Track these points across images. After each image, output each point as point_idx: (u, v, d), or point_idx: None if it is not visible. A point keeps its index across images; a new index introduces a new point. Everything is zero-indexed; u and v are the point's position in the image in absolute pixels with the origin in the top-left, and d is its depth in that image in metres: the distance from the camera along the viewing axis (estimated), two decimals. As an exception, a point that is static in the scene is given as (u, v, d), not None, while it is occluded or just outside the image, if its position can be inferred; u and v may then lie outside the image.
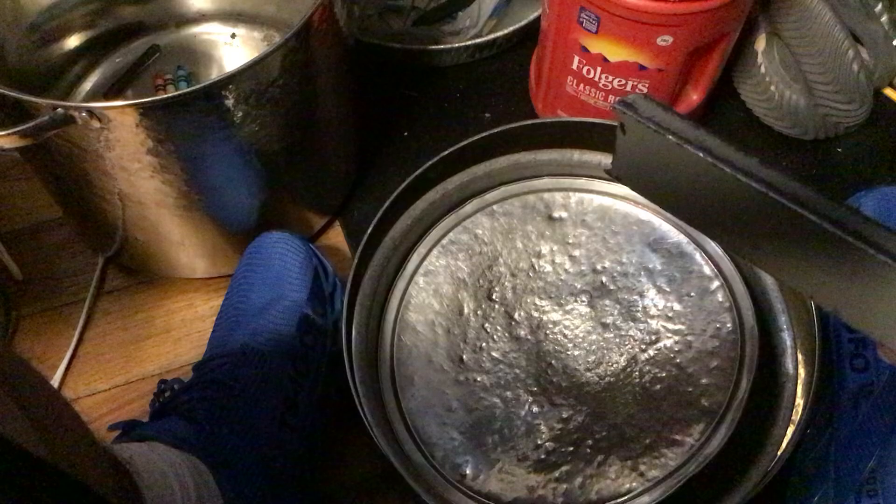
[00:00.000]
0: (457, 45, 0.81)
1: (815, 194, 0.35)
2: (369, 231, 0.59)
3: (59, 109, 0.48)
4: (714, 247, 0.61)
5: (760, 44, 0.73)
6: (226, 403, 0.53)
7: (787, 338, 0.60)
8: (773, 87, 0.74)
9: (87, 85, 0.74)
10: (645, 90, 0.67)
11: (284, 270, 0.60)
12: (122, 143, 0.52)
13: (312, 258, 0.62)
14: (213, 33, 0.79)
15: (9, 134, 0.48)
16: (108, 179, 0.56)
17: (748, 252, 0.41)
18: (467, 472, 0.56)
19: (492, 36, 0.81)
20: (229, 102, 0.53)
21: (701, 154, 0.38)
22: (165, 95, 0.50)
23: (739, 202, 0.38)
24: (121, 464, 0.42)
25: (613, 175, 0.46)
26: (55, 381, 0.65)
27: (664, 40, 0.62)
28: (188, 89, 0.51)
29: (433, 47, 0.81)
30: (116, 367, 0.67)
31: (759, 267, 0.41)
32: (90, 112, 0.49)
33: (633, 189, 0.47)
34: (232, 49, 0.79)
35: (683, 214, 0.45)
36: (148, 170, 0.55)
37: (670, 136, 0.39)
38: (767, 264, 0.41)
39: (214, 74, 0.77)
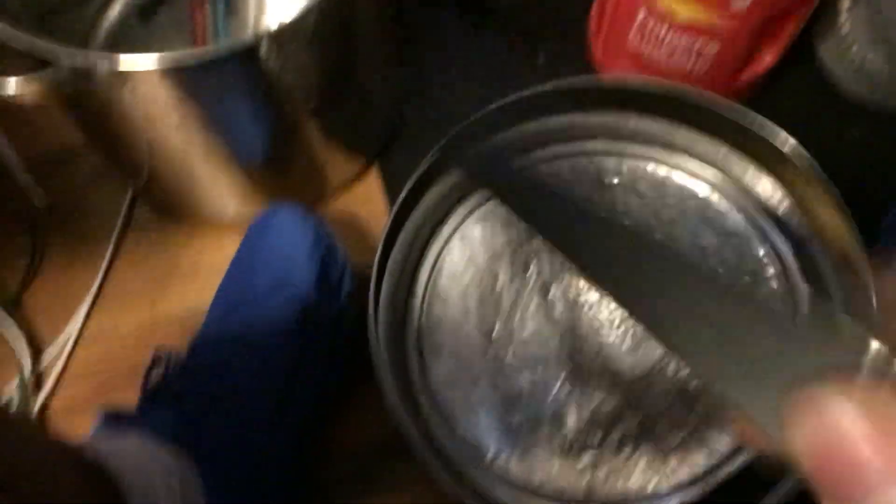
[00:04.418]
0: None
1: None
2: (403, 195, 0.55)
3: (78, 61, 0.45)
4: (776, 234, 0.57)
5: (846, 1, 0.66)
6: (217, 393, 0.52)
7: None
8: (855, 48, 0.67)
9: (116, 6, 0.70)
10: (714, 52, 0.61)
11: (291, 254, 0.56)
12: (146, 97, 0.49)
13: (322, 241, 0.58)
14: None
15: (24, 89, 0.45)
16: (132, 127, 0.53)
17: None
18: (489, 451, 0.54)
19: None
20: (266, 55, 0.49)
21: None
22: (198, 52, 0.46)
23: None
24: (104, 472, 0.42)
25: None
26: (80, 315, 0.65)
27: (741, 3, 0.56)
28: (223, 50, 0.46)
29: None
30: (142, 305, 0.66)
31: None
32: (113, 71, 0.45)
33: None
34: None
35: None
36: (175, 122, 0.52)
37: None
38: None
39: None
